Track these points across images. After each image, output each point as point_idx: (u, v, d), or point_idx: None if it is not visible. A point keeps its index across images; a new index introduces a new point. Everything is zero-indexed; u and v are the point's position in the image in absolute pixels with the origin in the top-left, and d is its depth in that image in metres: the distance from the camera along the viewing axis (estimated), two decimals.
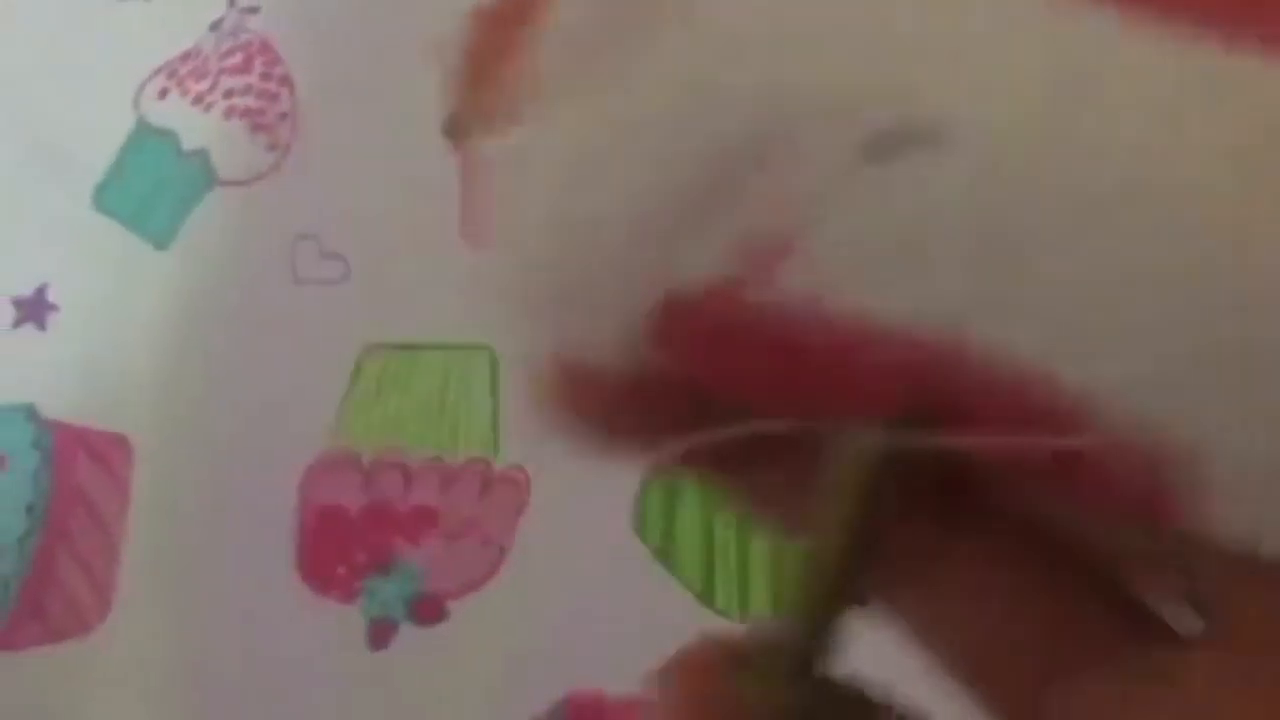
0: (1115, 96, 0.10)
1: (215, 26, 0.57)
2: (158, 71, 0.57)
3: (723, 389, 0.12)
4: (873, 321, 0.11)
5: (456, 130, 0.55)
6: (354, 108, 0.56)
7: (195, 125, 0.56)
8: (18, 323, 0.54)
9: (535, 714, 0.46)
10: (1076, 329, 0.10)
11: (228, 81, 0.56)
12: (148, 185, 0.55)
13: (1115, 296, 0.10)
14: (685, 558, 0.48)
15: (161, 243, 0.55)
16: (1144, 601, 0.14)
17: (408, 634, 0.48)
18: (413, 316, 0.52)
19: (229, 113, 0.56)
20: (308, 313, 0.53)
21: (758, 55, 0.11)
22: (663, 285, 0.11)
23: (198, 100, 0.56)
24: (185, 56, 0.57)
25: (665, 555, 0.48)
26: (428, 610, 0.49)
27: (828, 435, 0.12)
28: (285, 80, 0.56)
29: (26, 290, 0.54)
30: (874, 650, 0.14)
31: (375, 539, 0.50)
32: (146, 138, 0.56)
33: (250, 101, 0.56)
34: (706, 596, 0.47)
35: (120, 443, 0.52)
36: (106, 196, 0.56)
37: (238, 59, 0.57)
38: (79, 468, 0.52)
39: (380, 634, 0.49)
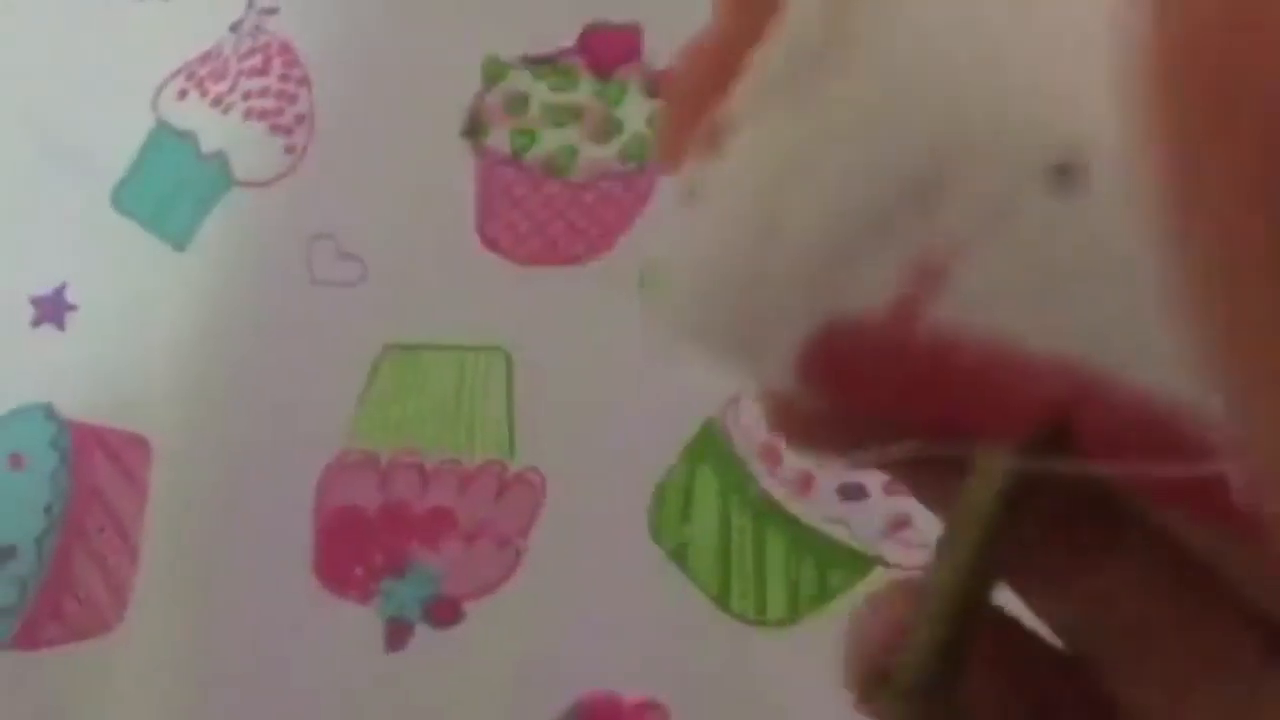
0: None
1: (234, 28, 0.58)
2: (177, 73, 0.57)
3: (873, 412, 0.12)
4: (1018, 349, 0.11)
5: (475, 132, 0.55)
6: (371, 109, 0.56)
7: (214, 127, 0.56)
8: (37, 322, 0.54)
9: (550, 716, 0.46)
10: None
11: (246, 83, 0.57)
12: (166, 186, 0.56)
13: None
14: (701, 560, 0.47)
15: (180, 243, 0.55)
16: (1271, 621, 0.14)
17: (424, 635, 0.48)
18: (429, 318, 0.52)
19: (248, 114, 0.56)
20: (325, 313, 0.53)
21: (937, 85, 0.11)
22: (829, 310, 0.12)
23: (216, 102, 0.57)
24: (204, 58, 0.57)
25: (681, 558, 0.48)
26: (444, 612, 0.49)
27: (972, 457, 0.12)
28: (304, 82, 0.56)
29: (45, 290, 0.54)
30: None
31: (392, 540, 0.50)
32: (165, 139, 0.56)
33: (269, 103, 0.56)
34: (722, 599, 0.47)
35: (138, 442, 0.52)
36: (125, 197, 0.56)
37: (256, 60, 0.57)
38: (97, 467, 0.52)
39: (396, 635, 0.49)
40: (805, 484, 0.47)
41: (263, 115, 0.56)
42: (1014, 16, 0.11)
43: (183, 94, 0.57)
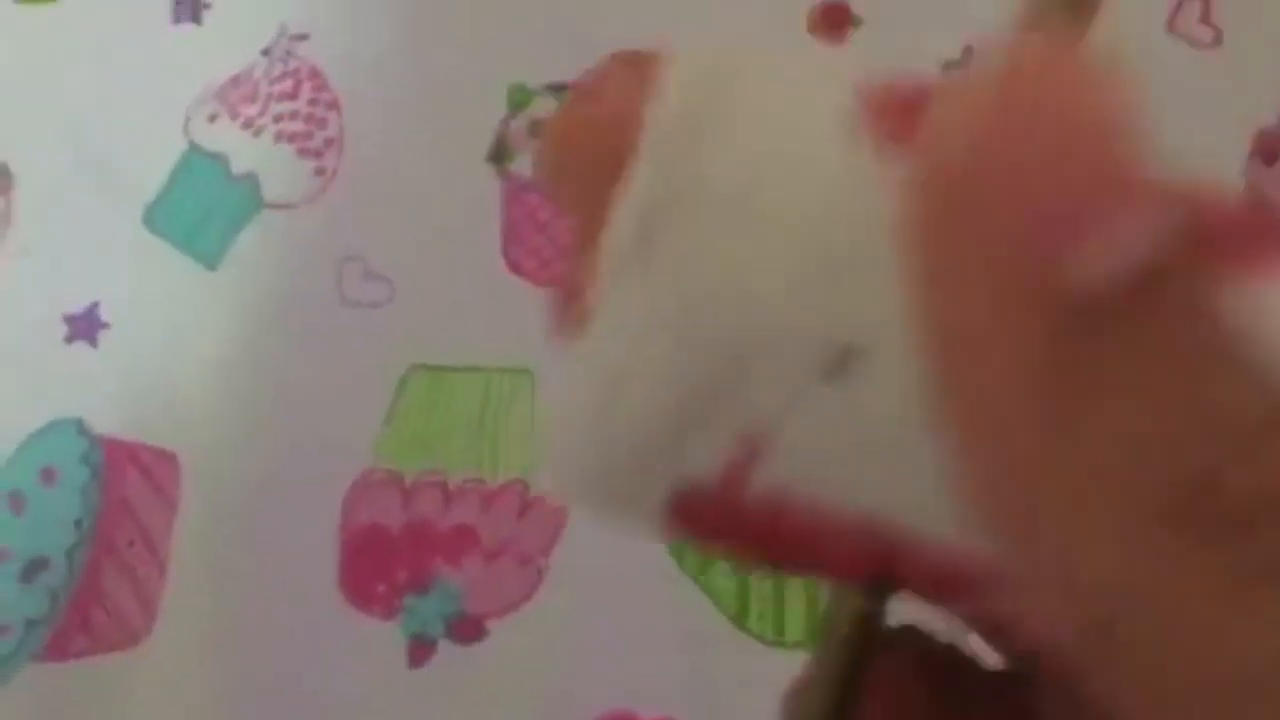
0: None
1: (266, 52, 0.59)
2: (209, 96, 0.58)
3: (737, 558, 0.14)
4: (835, 510, 0.13)
5: (501, 157, 0.56)
6: (400, 134, 0.57)
7: (245, 149, 0.57)
8: (70, 339, 0.55)
9: None
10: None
11: (277, 107, 0.58)
12: (198, 207, 0.57)
13: None
14: (721, 581, 0.48)
15: (211, 263, 0.56)
16: None
17: (446, 652, 0.49)
18: (455, 339, 0.53)
19: (278, 137, 0.57)
20: (353, 333, 0.54)
21: (729, 294, 0.13)
22: (673, 478, 0.13)
23: (247, 124, 0.58)
24: (235, 81, 0.59)
25: (701, 577, 0.48)
26: (466, 629, 0.49)
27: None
28: (333, 106, 0.57)
29: (79, 307, 0.55)
30: None
31: (415, 558, 0.51)
32: (197, 161, 0.58)
33: (299, 126, 0.57)
34: (740, 619, 0.48)
35: (168, 458, 0.53)
36: (158, 217, 0.57)
37: (287, 85, 0.58)
38: (127, 482, 0.53)
39: (419, 652, 0.49)
40: None
41: (293, 138, 0.57)
42: (792, 242, 0.12)
43: (214, 117, 0.58)
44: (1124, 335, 0.10)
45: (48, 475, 0.53)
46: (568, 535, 0.50)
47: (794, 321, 0.12)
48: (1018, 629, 0.11)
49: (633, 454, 0.13)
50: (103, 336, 0.55)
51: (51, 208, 0.57)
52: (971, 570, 0.12)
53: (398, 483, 0.52)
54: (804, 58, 0.14)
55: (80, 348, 0.55)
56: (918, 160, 0.11)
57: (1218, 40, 0.54)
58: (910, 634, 0.16)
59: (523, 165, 0.56)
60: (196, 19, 0.60)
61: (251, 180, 0.57)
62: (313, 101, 0.58)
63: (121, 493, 0.52)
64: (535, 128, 0.56)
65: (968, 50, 0.54)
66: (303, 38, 0.59)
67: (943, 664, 0.16)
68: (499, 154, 0.56)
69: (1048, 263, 0.10)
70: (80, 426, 0.54)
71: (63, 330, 0.55)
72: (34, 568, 0.51)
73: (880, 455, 0.12)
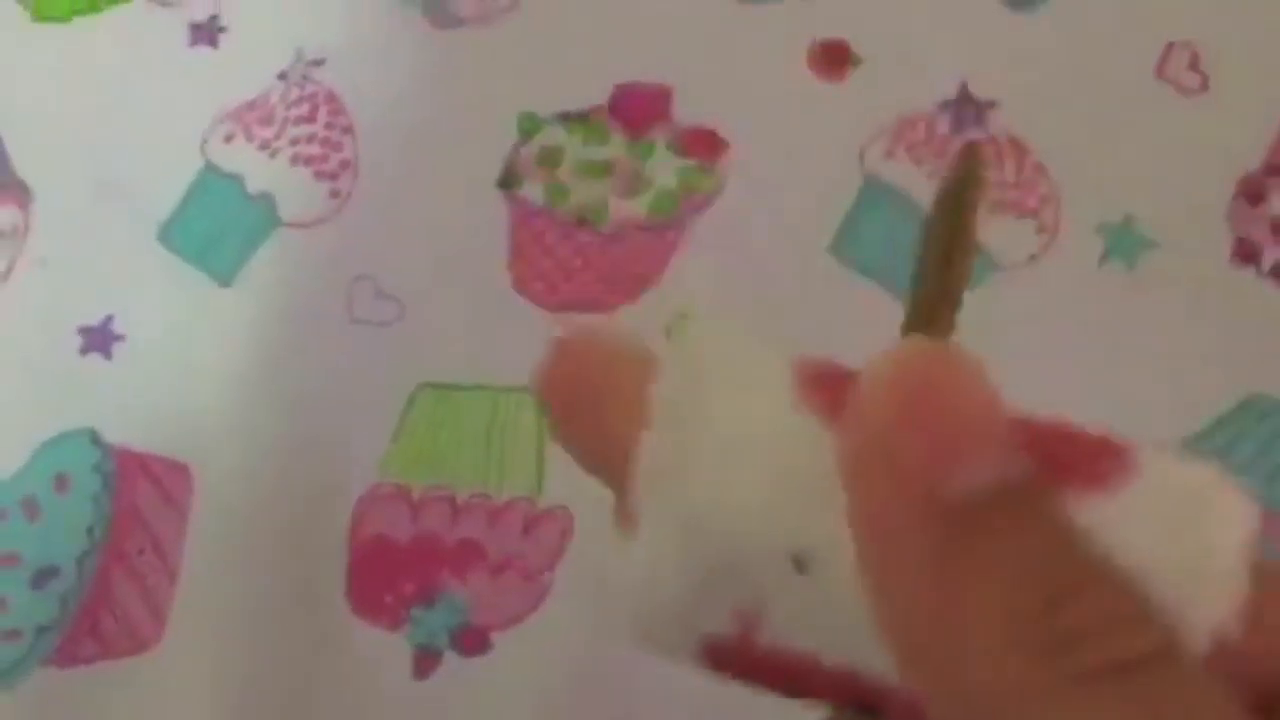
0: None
1: (282, 76, 0.60)
2: (225, 117, 0.60)
3: (763, 688, 0.19)
4: (821, 662, 0.18)
5: (510, 183, 0.58)
6: (413, 159, 0.58)
7: (260, 170, 0.58)
8: (84, 351, 0.56)
9: None
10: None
11: (294, 130, 0.59)
12: (213, 225, 0.58)
13: None
14: None
15: (225, 280, 0.57)
16: None
17: (451, 663, 0.50)
18: (463, 358, 0.55)
19: (294, 159, 0.59)
20: (363, 351, 0.55)
21: (710, 525, 0.17)
22: (699, 635, 0.18)
23: (264, 146, 0.59)
24: (252, 105, 0.60)
25: None
26: (472, 641, 0.50)
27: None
28: (348, 130, 0.59)
29: (94, 320, 0.57)
30: None
31: (422, 570, 0.52)
32: (213, 180, 0.59)
33: (314, 149, 0.59)
34: None
35: (179, 469, 0.54)
36: (173, 234, 0.58)
37: (304, 109, 0.59)
38: (139, 492, 0.54)
39: (425, 663, 0.50)
40: None
41: (309, 161, 0.58)
42: (760, 480, 0.17)
43: (230, 138, 0.59)
44: (986, 529, 0.16)
45: (61, 483, 0.54)
46: (572, 550, 0.51)
47: (766, 535, 0.17)
48: None
49: (667, 620, 0.18)
50: (117, 349, 0.56)
51: (68, 222, 0.58)
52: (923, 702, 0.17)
53: (406, 496, 0.53)
54: (752, 350, 0.18)
55: (94, 359, 0.56)
56: (847, 424, 0.16)
57: (1204, 86, 0.56)
58: None
59: (531, 191, 0.57)
60: (213, 43, 0.62)
61: (267, 200, 0.58)
62: (329, 125, 0.59)
63: (133, 501, 0.53)
64: (544, 155, 0.58)
65: (963, 90, 0.56)
66: (319, 63, 0.60)
67: None
68: (508, 180, 0.58)
69: (934, 485, 0.16)
70: (93, 436, 0.55)
71: (78, 342, 0.56)
72: (45, 574, 0.52)
73: (843, 624, 0.17)
